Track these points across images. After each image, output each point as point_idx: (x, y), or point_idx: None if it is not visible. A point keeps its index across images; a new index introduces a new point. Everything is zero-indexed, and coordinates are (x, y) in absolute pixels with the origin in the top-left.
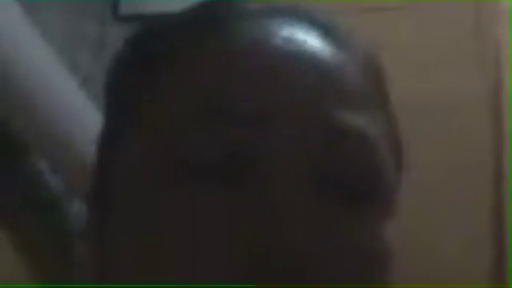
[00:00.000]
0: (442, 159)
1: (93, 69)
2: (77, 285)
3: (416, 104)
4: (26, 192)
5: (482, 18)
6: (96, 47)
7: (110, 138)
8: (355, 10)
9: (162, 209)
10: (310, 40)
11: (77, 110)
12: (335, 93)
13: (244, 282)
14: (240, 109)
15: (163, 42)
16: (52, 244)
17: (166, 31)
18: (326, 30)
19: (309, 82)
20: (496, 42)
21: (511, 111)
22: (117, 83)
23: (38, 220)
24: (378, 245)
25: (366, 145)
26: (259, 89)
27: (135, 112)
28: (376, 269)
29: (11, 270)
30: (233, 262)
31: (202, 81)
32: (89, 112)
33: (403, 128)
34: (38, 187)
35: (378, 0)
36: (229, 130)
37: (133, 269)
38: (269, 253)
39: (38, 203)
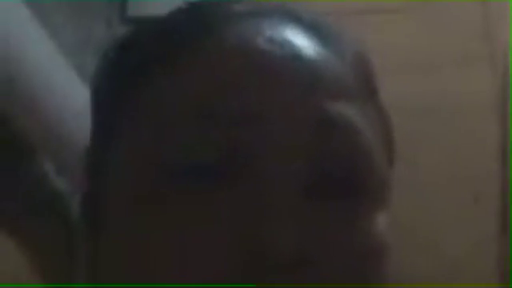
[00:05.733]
0: (449, 160)
1: None
2: (79, 285)
3: (422, 106)
4: (30, 193)
5: (489, 19)
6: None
7: (102, 141)
8: (359, 11)
9: (157, 209)
10: (299, 39)
11: (83, 111)
12: (324, 88)
13: (240, 281)
14: (233, 110)
15: (154, 45)
16: (56, 245)
17: (155, 34)
18: (314, 29)
19: (298, 78)
20: (503, 45)
21: None
22: (108, 86)
23: (43, 222)
24: (372, 239)
25: (356, 135)
26: (250, 89)
27: (129, 113)
28: (371, 263)
29: (15, 270)
30: (229, 261)
31: (195, 84)
32: None
33: (410, 130)
34: (43, 188)
35: (385, 0)
36: (223, 131)
37: (128, 269)
38: (264, 250)
39: (43, 205)
